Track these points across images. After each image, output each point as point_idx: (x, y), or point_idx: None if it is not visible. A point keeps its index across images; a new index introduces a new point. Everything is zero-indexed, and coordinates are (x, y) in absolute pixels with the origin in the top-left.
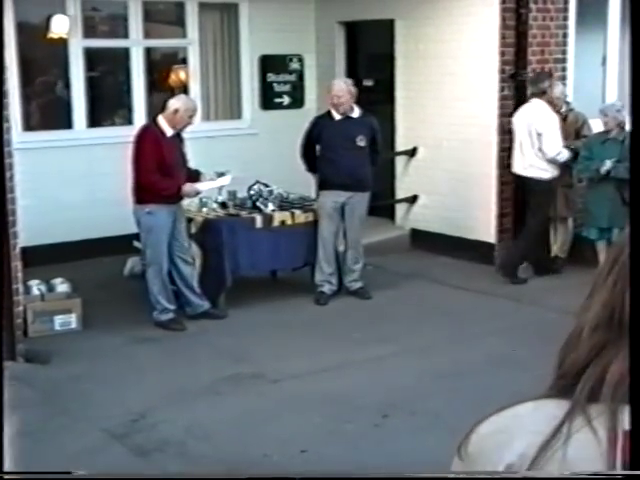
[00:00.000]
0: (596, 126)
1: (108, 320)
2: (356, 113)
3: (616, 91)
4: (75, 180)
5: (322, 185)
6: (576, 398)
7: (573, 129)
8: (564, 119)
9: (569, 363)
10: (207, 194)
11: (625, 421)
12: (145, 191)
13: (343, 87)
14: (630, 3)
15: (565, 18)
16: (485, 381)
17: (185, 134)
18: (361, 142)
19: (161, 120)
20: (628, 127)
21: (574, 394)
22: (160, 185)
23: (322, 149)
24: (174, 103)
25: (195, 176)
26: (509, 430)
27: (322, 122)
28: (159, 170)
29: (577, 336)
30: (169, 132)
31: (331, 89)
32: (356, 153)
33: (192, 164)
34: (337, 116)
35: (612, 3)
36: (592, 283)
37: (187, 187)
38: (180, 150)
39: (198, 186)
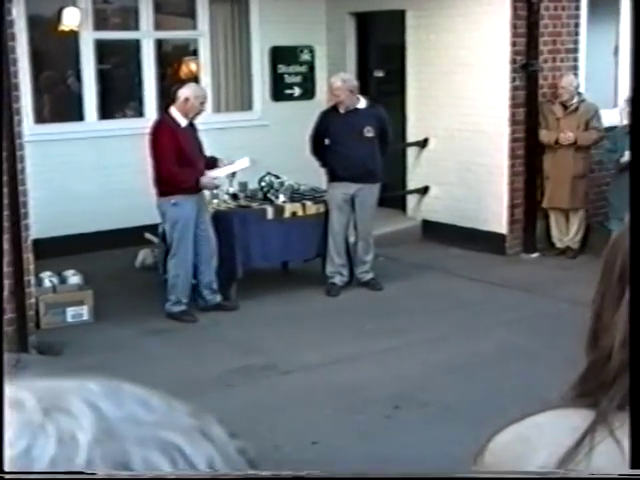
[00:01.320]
0: (607, 117)
1: (120, 312)
2: (362, 104)
3: (629, 82)
4: (86, 172)
5: (332, 177)
6: (602, 409)
7: (584, 120)
8: (575, 110)
9: (596, 381)
10: (221, 183)
11: None
12: (167, 183)
13: (340, 85)
14: (631, 3)
15: (577, 8)
16: (496, 372)
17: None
18: (369, 133)
19: (174, 111)
20: None
21: (599, 404)
22: (179, 177)
23: (330, 142)
24: (184, 92)
25: (212, 163)
26: (529, 441)
27: (328, 116)
28: (179, 161)
29: (607, 357)
30: (183, 122)
31: (330, 87)
32: (364, 144)
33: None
34: (342, 109)
35: None
36: (601, 294)
37: (205, 179)
38: (196, 139)
39: (216, 172)
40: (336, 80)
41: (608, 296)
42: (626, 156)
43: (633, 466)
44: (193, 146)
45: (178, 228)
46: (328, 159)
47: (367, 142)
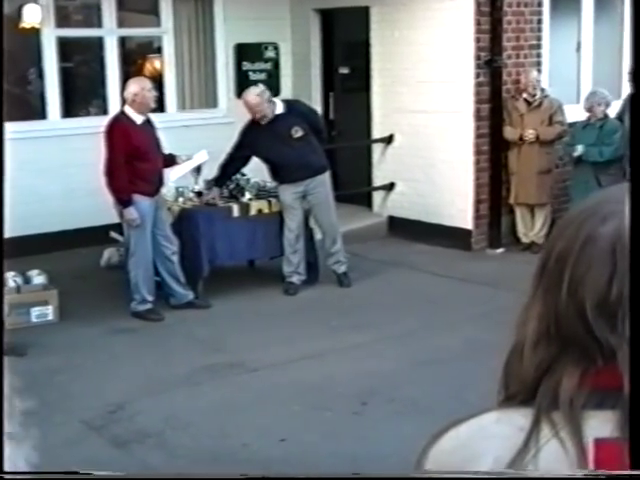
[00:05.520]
0: (571, 112)
1: (85, 311)
2: (280, 108)
3: (591, 77)
4: (50, 171)
5: (280, 181)
6: (537, 411)
7: (547, 115)
8: (539, 105)
9: (517, 384)
10: (183, 183)
11: (593, 429)
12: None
13: (259, 101)
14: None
15: (539, 4)
16: (464, 367)
17: (160, 123)
18: (297, 133)
19: (128, 110)
20: (611, 113)
21: (534, 404)
22: (115, 185)
23: (265, 154)
24: (130, 89)
25: (171, 160)
26: (474, 444)
27: (251, 132)
28: (134, 159)
29: (520, 352)
30: (139, 120)
31: (248, 105)
32: (297, 145)
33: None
34: (264, 121)
35: None
36: (530, 290)
37: (127, 215)
38: (154, 136)
39: (177, 170)
40: (252, 98)
41: (532, 290)
42: (578, 150)
43: (633, 466)
44: (150, 143)
45: (134, 226)
46: (269, 170)
47: (299, 142)
